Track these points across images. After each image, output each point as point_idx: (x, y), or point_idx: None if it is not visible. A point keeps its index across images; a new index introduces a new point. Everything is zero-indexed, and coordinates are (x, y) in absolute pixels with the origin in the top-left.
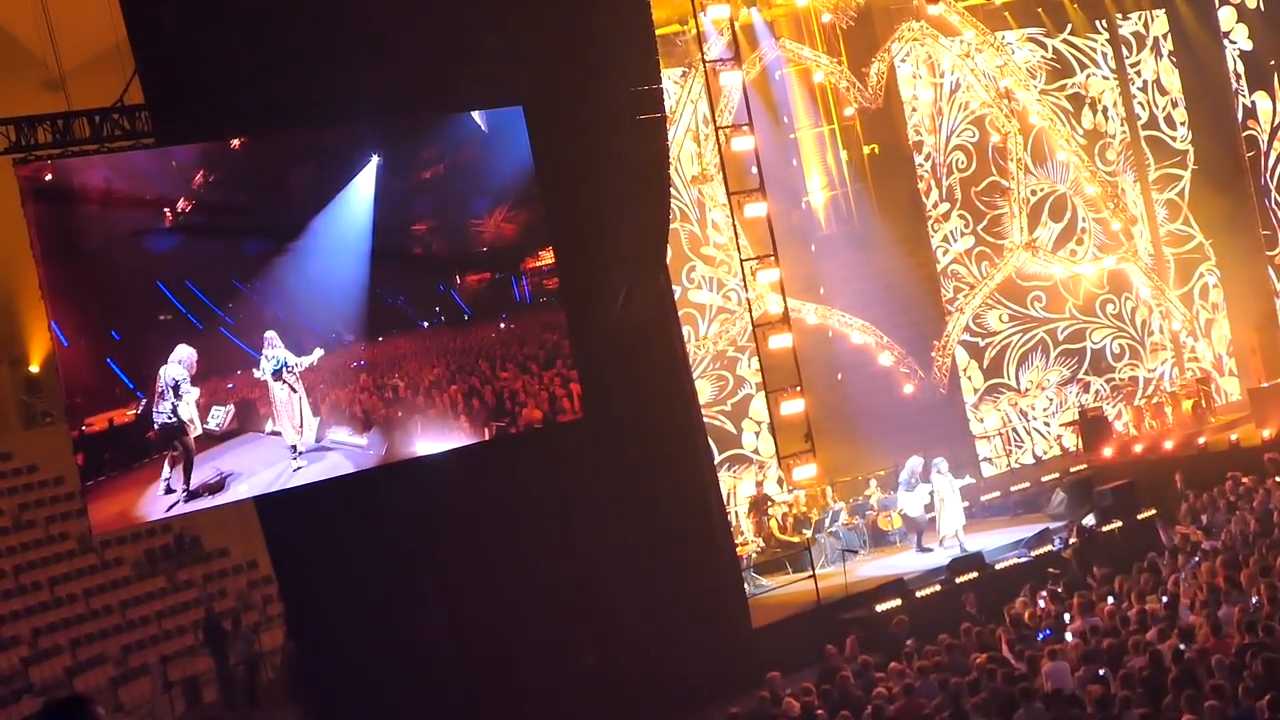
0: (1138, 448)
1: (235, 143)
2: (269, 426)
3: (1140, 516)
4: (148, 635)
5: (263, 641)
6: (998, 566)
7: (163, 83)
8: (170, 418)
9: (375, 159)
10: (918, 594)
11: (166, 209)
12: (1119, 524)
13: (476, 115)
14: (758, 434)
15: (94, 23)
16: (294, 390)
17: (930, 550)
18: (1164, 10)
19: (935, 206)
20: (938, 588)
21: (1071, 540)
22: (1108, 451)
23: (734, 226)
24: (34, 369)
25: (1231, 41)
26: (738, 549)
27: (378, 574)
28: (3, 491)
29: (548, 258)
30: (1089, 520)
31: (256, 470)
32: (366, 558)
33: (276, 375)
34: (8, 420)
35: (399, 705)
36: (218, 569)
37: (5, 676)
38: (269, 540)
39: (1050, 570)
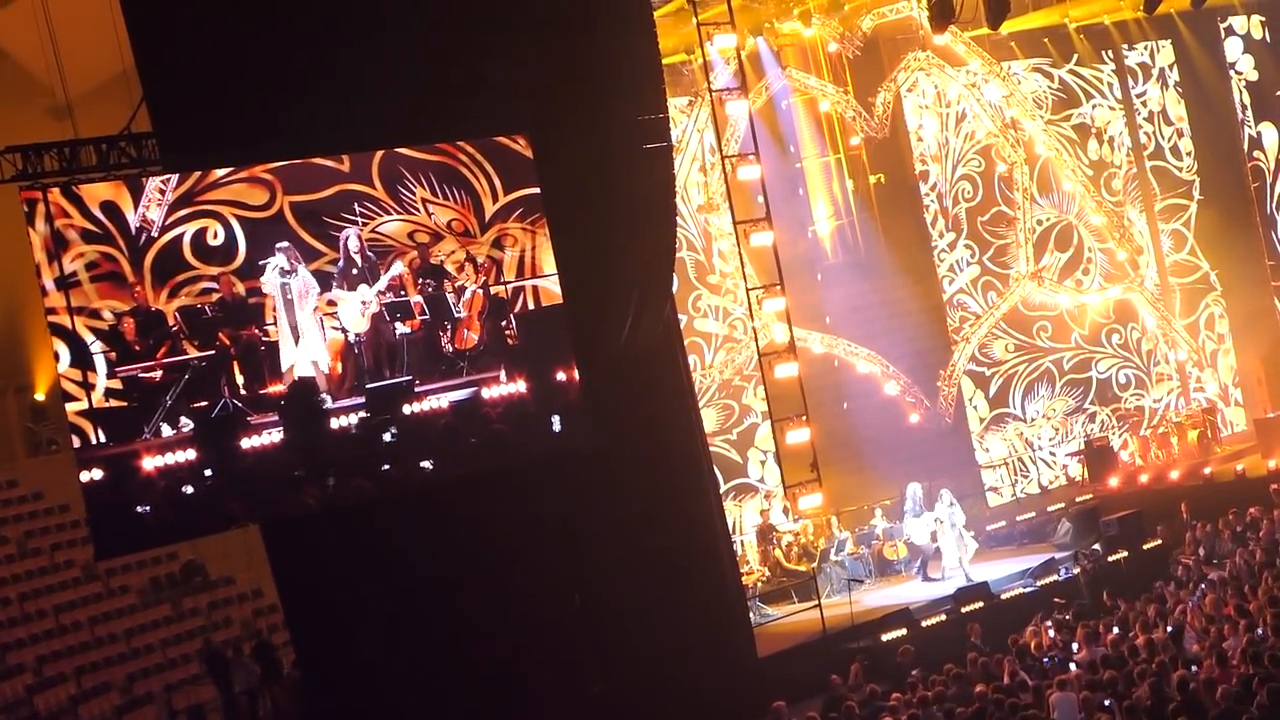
0: (1144, 478)
1: None
2: None
3: (1146, 546)
4: (152, 664)
5: (267, 669)
6: (1003, 596)
7: (170, 110)
8: None
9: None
10: (923, 623)
11: None
12: (1125, 554)
13: None
14: (763, 463)
15: (101, 50)
16: None
17: (936, 580)
18: (1170, 41)
19: (941, 236)
20: (943, 617)
21: (1079, 568)
22: (1114, 481)
23: (740, 255)
24: (39, 396)
25: (1238, 73)
26: (743, 578)
27: (383, 602)
28: (8, 519)
29: None
30: (1096, 547)
31: None
32: (372, 585)
33: None
34: (13, 448)
35: None
36: (223, 597)
37: (10, 704)
38: (274, 568)
39: (1056, 600)
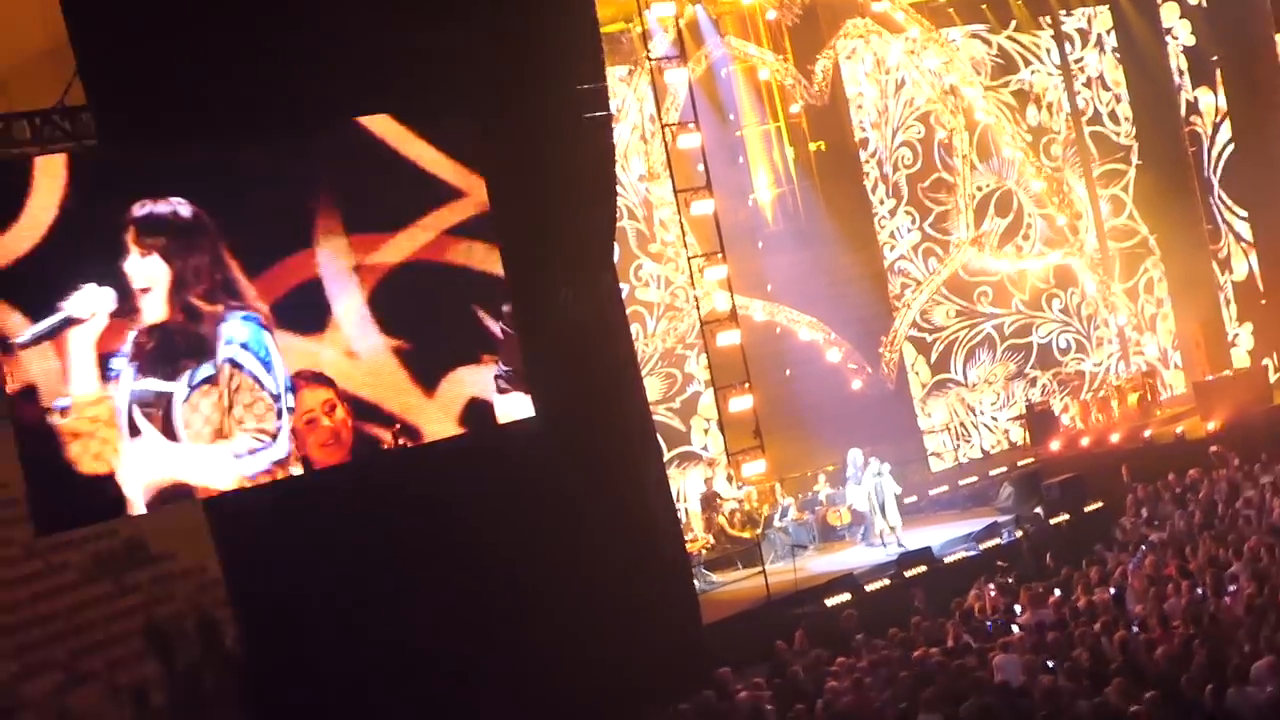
0: (1084, 441)
1: None
2: None
3: (1087, 509)
4: (95, 641)
5: (210, 645)
6: (946, 560)
7: (104, 84)
8: None
9: None
10: (867, 588)
11: None
12: (1066, 517)
13: None
14: (706, 431)
15: (32, 23)
16: None
17: (879, 545)
18: (1107, 6)
19: (882, 203)
20: (887, 582)
21: (1021, 532)
22: (1055, 445)
23: (681, 224)
24: None
25: (1174, 37)
26: (687, 546)
27: (326, 577)
28: None
29: None
30: (1038, 510)
31: None
32: (315, 560)
33: None
34: None
35: (348, 708)
36: (165, 572)
37: None
38: (218, 544)
39: (1000, 563)
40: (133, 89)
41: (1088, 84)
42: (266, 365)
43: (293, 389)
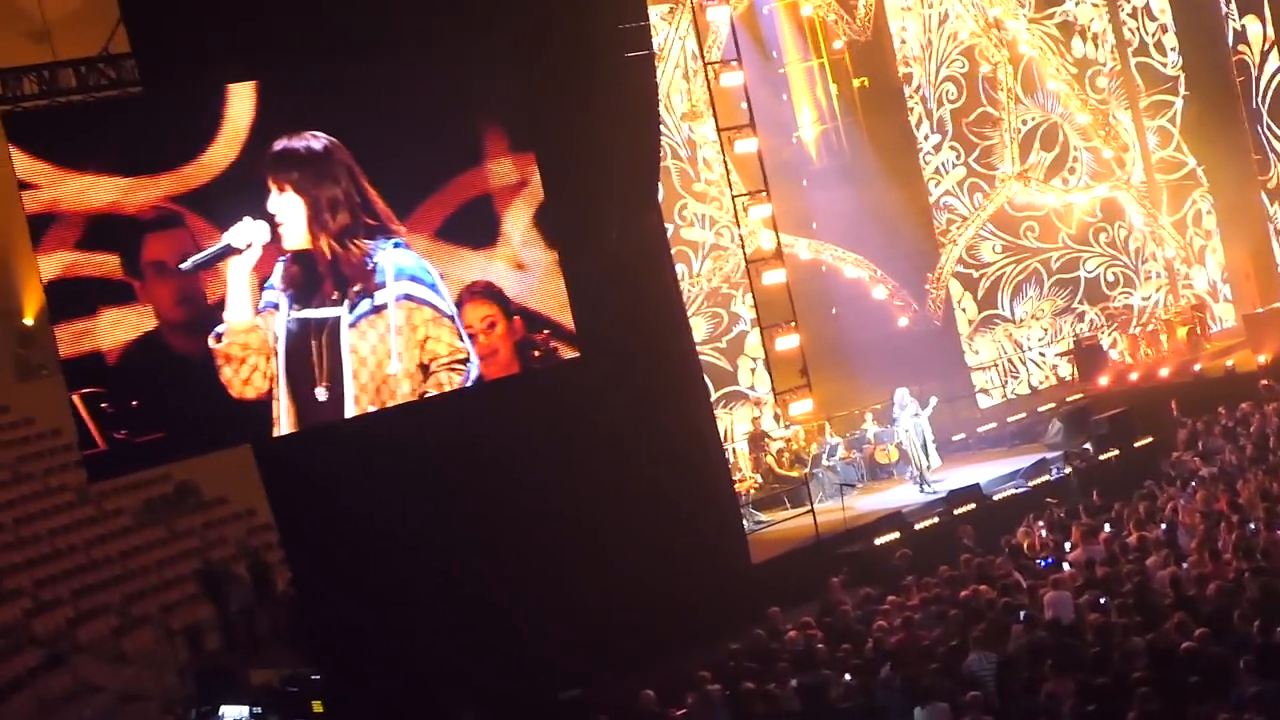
0: (1133, 375)
1: None
2: None
3: (1137, 444)
4: (148, 585)
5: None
6: (995, 498)
7: (148, 30)
8: None
9: None
10: (916, 526)
11: None
12: (1115, 452)
13: None
14: (753, 370)
15: None
16: None
17: (929, 483)
18: None
19: (926, 138)
20: (936, 520)
21: (1070, 468)
22: (1103, 380)
23: (725, 163)
24: (28, 321)
25: None
26: (736, 485)
27: (374, 517)
28: (0, 445)
29: None
30: (1087, 446)
31: None
32: (363, 501)
33: None
34: (3, 373)
35: (397, 646)
36: (216, 517)
37: (7, 628)
38: (267, 487)
39: (1049, 500)
40: (176, 33)
41: (1133, 14)
42: (434, 289)
43: (460, 304)
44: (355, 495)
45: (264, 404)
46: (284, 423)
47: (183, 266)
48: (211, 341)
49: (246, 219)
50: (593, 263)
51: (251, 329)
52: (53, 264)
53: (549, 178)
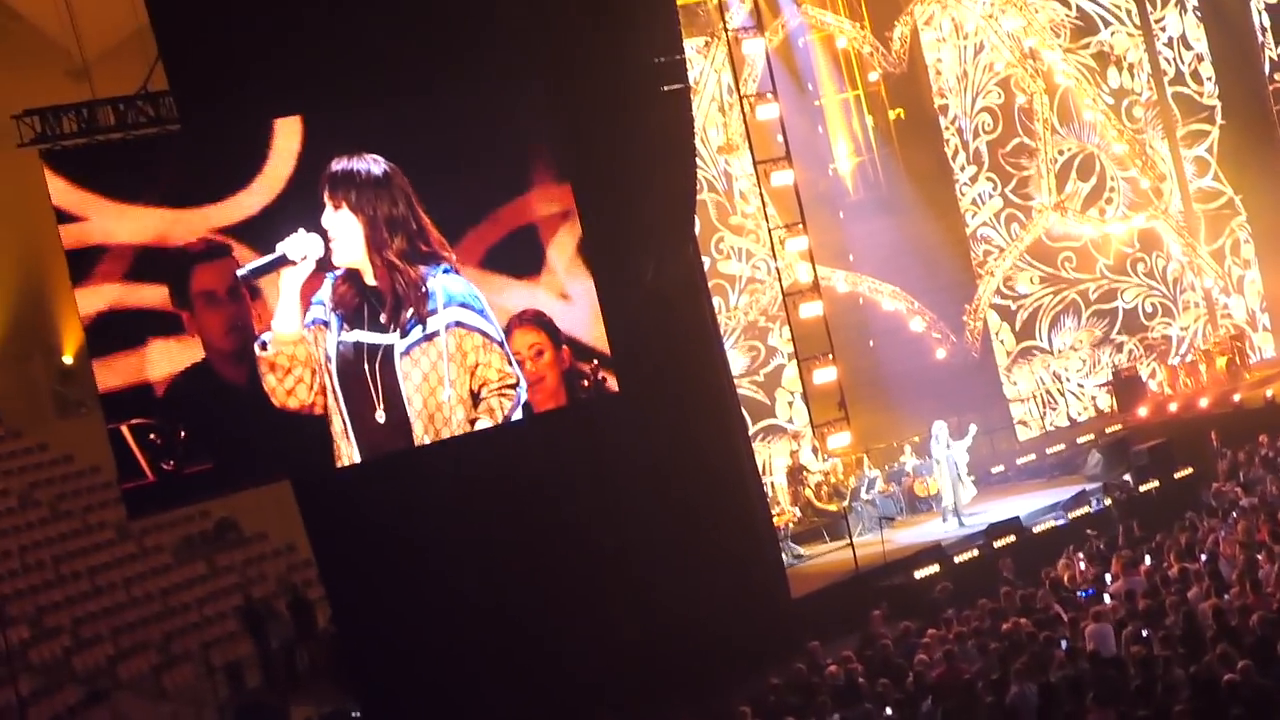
0: (1172, 406)
1: None
2: None
3: (1177, 475)
4: (189, 621)
5: (303, 625)
6: (1035, 530)
7: (186, 68)
8: None
9: None
10: (956, 559)
11: None
12: (1155, 483)
13: None
14: (791, 403)
15: (116, 9)
16: None
17: (948, 520)
18: None
19: (962, 169)
20: (975, 553)
21: (1110, 499)
22: (1142, 411)
23: (761, 195)
24: (67, 359)
25: None
26: (774, 519)
27: (415, 553)
28: (40, 482)
29: None
30: (1127, 477)
31: None
32: (404, 537)
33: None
34: (42, 411)
35: (438, 681)
36: (257, 553)
37: (48, 666)
38: (307, 523)
39: (1089, 531)
40: (215, 72)
41: (1169, 44)
42: (484, 314)
43: (509, 331)
44: (395, 530)
45: (318, 423)
46: (342, 447)
47: (239, 273)
48: (257, 349)
49: (301, 230)
50: (630, 296)
51: (299, 340)
52: (96, 298)
53: (586, 211)
